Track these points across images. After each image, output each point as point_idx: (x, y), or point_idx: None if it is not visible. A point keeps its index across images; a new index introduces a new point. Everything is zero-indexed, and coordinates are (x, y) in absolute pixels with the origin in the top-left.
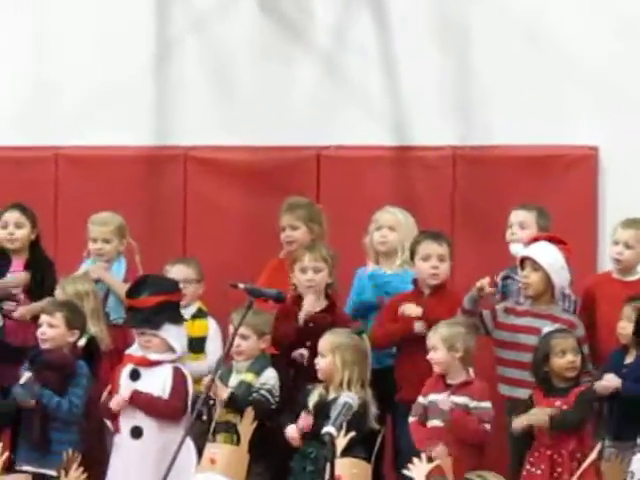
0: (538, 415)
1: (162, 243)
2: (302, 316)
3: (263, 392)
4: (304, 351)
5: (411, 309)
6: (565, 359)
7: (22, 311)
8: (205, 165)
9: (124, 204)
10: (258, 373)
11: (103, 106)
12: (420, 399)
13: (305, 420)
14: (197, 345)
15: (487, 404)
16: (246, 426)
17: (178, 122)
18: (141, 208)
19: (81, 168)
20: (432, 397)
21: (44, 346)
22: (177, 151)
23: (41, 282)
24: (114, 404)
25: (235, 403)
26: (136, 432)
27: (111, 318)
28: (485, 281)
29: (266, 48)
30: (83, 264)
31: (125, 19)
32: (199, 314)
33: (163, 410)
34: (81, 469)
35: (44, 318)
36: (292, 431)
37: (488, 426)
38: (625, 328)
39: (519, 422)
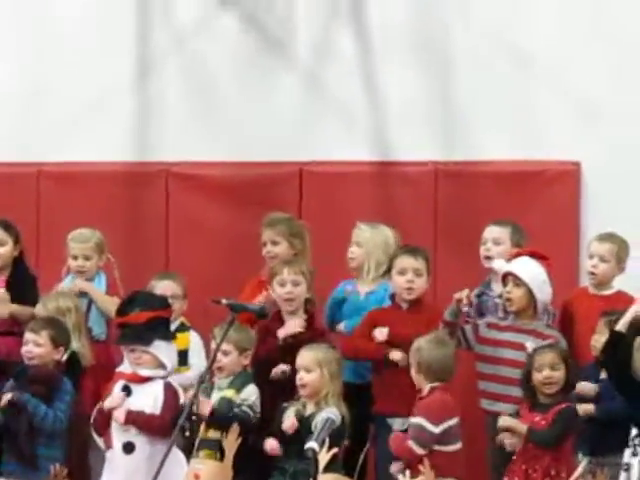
0: (517, 425)
1: (144, 259)
2: (281, 336)
3: (244, 408)
4: (285, 367)
5: (381, 334)
6: (542, 374)
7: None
8: (187, 181)
9: (107, 220)
10: (239, 389)
11: (85, 123)
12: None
13: (289, 420)
14: (179, 358)
15: (418, 420)
16: (231, 442)
17: (160, 138)
18: (123, 224)
19: (63, 184)
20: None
21: (30, 363)
22: (159, 167)
23: (23, 298)
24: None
25: (217, 419)
26: (128, 447)
27: (93, 333)
28: (464, 293)
29: (248, 64)
30: (63, 281)
31: (107, 35)
32: (181, 328)
33: (157, 426)
34: None
35: (29, 336)
36: (271, 442)
37: (413, 445)
38: (599, 341)
39: (502, 422)
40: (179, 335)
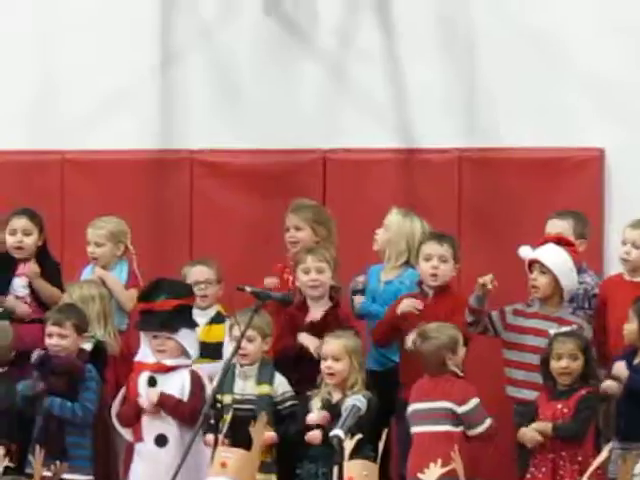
0: (540, 429)
1: (168, 246)
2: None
3: (290, 402)
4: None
5: (406, 304)
6: (559, 364)
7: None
8: (211, 168)
9: (130, 208)
10: (270, 382)
11: (109, 110)
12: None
13: (319, 414)
14: (212, 351)
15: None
16: (259, 431)
17: (184, 126)
18: (147, 212)
19: (87, 172)
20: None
21: (56, 354)
22: (183, 155)
23: (51, 281)
24: (146, 403)
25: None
26: (161, 440)
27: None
28: (488, 278)
29: (271, 52)
30: (85, 270)
31: (131, 23)
32: (217, 319)
33: (188, 412)
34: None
35: (53, 329)
36: (315, 417)
37: None
38: (628, 330)
39: (524, 436)
40: (214, 327)
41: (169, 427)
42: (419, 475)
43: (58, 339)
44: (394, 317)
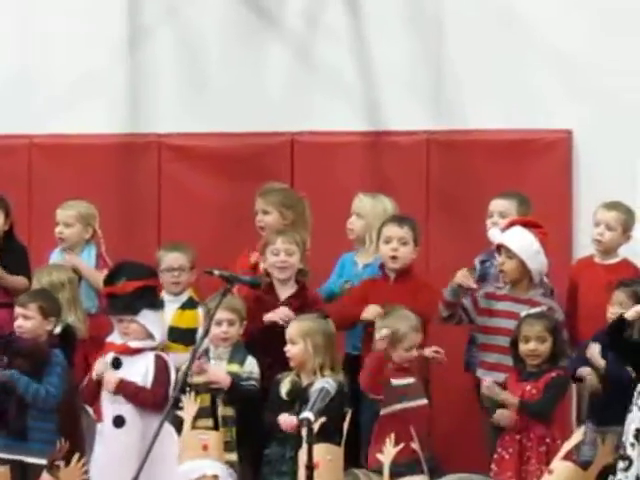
0: (508, 399)
1: (137, 230)
2: (266, 320)
3: (253, 382)
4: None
5: (369, 312)
6: (527, 346)
7: None
8: (179, 152)
9: (98, 192)
10: (241, 363)
11: (76, 94)
12: None
13: (289, 420)
14: (185, 336)
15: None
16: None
17: (151, 109)
18: (115, 196)
19: (55, 156)
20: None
21: (21, 336)
22: (150, 138)
23: (15, 270)
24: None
25: (235, 393)
26: (118, 421)
27: (85, 307)
28: (462, 275)
29: (238, 34)
30: (53, 253)
31: (97, 6)
32: (189, 304)
33: (149, 399)
34: (82, 462)
35: (18, 310)
36: (287, 418)
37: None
38: (616, 314)
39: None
40: (187, 312)
41: (127, 408)
42: (377, 455)
43: (22, 320)
44: (359, 301)
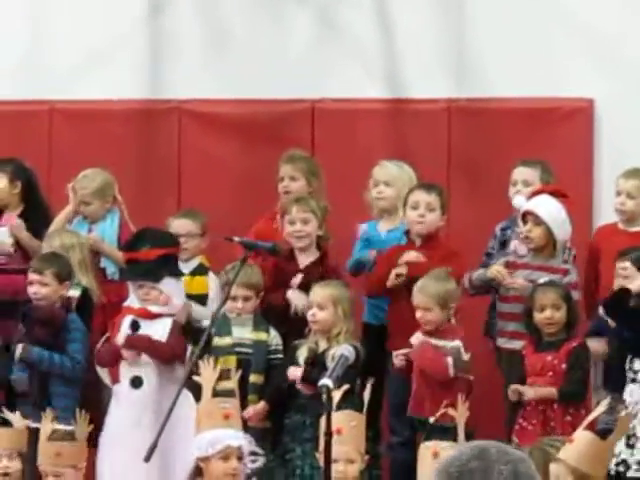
0: (544, 393)
1: (157, 197)
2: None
3: (280, 355)
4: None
5: (410, 255)
6: (543, 315)
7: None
8: (199, 118)
9: (118, 158)
10: (267, 331)
11: (97, 60)
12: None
13: (296, 370)
14: (198, 302)
15: (455, 343)
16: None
17: (172, 75)
18: (136, 162)
19: (75, 122)
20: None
21: (37, 304)
22: (171, 104)
23: (37, 232)
24: (120, 339)
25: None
26: (136, 382)
27: (108, 273)
28: (496, 270)
29: (261, 1)
30: (74, 222)
31: None
32: (199, 270)
33: (158, 349)
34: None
35: (34, 277)
36: (294, 371)
37: (449, 360)
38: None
39: (528, 393)
40: (197, 278)
41: (145, 369)
42: (449, 411)
43: (38, 287)
44: (388, 267)
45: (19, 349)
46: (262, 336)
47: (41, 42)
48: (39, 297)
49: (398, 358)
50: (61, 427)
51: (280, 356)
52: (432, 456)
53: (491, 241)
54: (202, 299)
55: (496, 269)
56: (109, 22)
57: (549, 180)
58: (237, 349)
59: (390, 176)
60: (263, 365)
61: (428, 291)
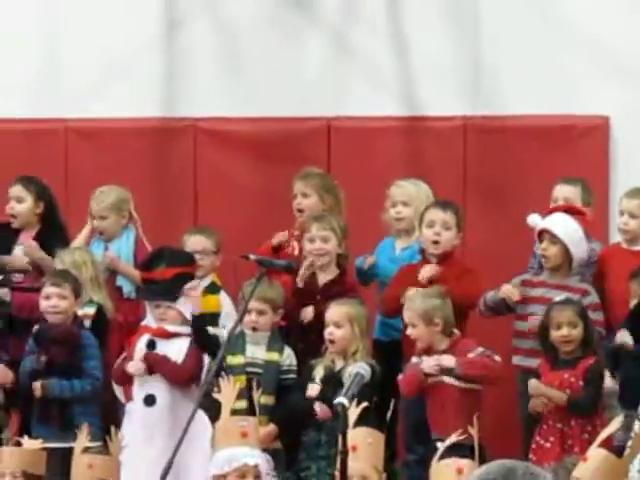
0: (553, 395)
1: (173, 215)
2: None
3: (292, 375)
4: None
5: (427, 270)
6: (559, 333)
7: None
8: (215, 136)
9: (134, 176)
10: (280, 351)
11: (112, 78)
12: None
13: (322, 410)
14: (211, 321)
15: (480, 349)
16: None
17: (187, 93)
18: (151, 180)
19: (91, 141)
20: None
21: (53, 319)
22: (187, 122)
23: (53, 253)
24: (132, 368)
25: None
26: (150, 400)
27: (124, 291)
28: (507, 290)
29: (276, 19)
30: (92, 245)
31: None
32: (211, 288)
33: (175, 372)
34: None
35: (53, 290)
36: (322, 407)
37: (497, 357)
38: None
39: (533, 406)
40: (210, 297)
41: (159, 388)
42: (469, 428)
43: (57, 300)
44: (402, 286)
45: (38, 389)
46: (274, 356)
47: (56, 60)
48: (58, 310)
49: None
50: (93, 444)
51: (292, 376)
52: (456, 473)
53: (531, 260)
54: (214, 318)
55: (507, 288)
56: (124, 40)
57: (589, 199)
58: (248, 369)
59: (407, 196)
60: (273, 386)
61: (413, 307)
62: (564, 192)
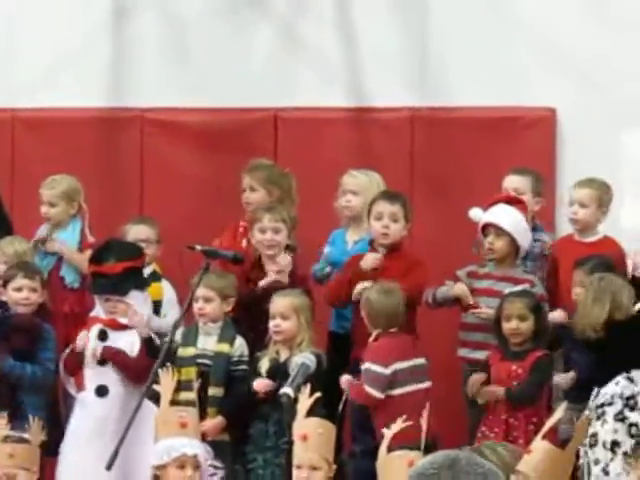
0: (493, 392)
1: (119, 205)
2: (262, 284)
3: (244, 366)
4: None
5: (369, 260)
6: (508, 325)
7: None
8: (161, 127)
9: (81, 166)
10: (231, 342)
11: (59, 68)
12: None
13: (261, 384)
14: (152, 309)
15: (375, 367)
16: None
17: (135, 83)
18: (98, 170)
19: (37, 131)
20: None
21: (23, 310)
22: (133, 113)
23: None
24: (80, 341)
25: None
26: (102, 391)
27: (66, 282)
28: (461, 290)
29: (224, 9)
30: (39, 230)
31: None
32: (153, 277)
33: (132, 367)
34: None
35: (24, 282)
36: (261, 382)
37: (371, 390)
38: (579, 294)
39: (472, 391)
40: (152, 285)
41: (111, 378)
42: (384, 430)
43: (28, 292)
44: (350, 275)
45: None
46: (224, 348)
47: (2, 50)
48: (29, 302)
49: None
50: (15, 433)
51: (242, 367)
52: (407, 465)
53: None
54: (156, 306)
55: (462, 290)
56: (71, 30)
57: (539, 190)
58: (199, 360)
59: (358, 186)
60: (222, 377)
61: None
62: (514, 182)
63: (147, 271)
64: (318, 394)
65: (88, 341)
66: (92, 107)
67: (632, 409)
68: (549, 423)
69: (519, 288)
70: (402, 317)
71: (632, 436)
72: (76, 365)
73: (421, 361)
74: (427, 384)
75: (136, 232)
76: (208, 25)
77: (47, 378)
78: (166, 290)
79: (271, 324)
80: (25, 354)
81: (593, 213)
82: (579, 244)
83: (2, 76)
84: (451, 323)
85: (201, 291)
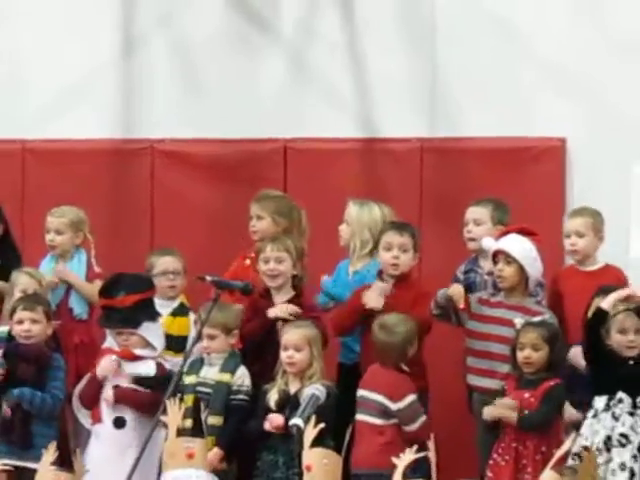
0: (506, 411)
1: (130, 237)
2: (271, 315)
3: (242, 396)
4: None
5: (371, 300)
6: (522, 354)
7: None
8: (172, 158)
9: (91, 198)
10: (232, 372)
11: (70, 99)
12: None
13: (276, 420)
14: (177, 344)
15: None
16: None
17: (145, 115)
18: (108, 201)
19: (48, 161)
20: None
21: (25, 342)
22: (144, 144)
23: (7, 276)
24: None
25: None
26: (119, 422)
27: (75, 313)
28: (456, 291)
29: (233, 41)
30: (44, 260)
31: (92, 11)
32: (180, 310)
33: (146, 403)
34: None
35: (25, 315)
36: (275, 418)
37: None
38: None
39: (488, 412)
40: (178, 319)
41: (128, 410)
42: (393, 459)
43: (30, 324)
44: (356, 306)
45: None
46: (225, 377)
47: (14, 82)
48: (31, 335)
49: None
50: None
51: (242, 397)
52: None
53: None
54: (183, 340)
55: (458, 290)
56: (82, 62)
57: (503, 218)
58: (198, 388)
59: (348, 215)
60: (221, 406)
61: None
62: (473, 214)
63: (175, 304)
64: (322, 425)
65: (113, 366)
66: (102, 138)
67: None
68: (558, 453)
69: (536, 319)
70: (405, 353)
71: None
72: (95, 398)
73: (376, 396)
74: (380, 421)
75: (165, 262)
76: (217, 57)
77: (56, 406)
78: (192, 325)
79: (283, 355)
80: (34, 384)
81: (591, 241)
82: (581, 274)
83: (13, 107)
84: (457, 349)
85: (206, 329)
